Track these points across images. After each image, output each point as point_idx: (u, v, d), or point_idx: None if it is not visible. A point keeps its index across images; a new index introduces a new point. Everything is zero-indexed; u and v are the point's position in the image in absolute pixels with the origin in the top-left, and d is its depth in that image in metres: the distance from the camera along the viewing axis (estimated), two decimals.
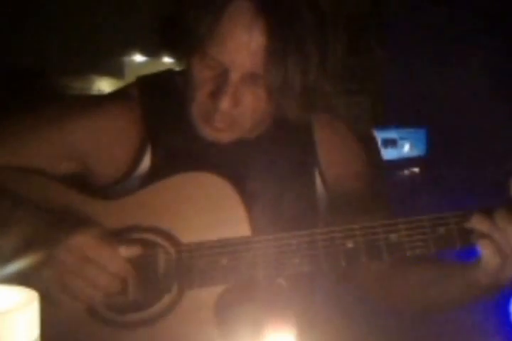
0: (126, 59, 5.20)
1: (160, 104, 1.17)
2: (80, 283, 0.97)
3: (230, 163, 1.12)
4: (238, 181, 1.06)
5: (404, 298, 1.17)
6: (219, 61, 1.04)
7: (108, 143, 1.14)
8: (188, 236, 1.05)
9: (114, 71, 5.03)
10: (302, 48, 1.02)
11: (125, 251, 1.00)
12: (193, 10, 1.05)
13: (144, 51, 5.16)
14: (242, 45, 1.02)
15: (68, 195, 1.09)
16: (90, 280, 0.97)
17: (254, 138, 1.16)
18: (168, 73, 1.23)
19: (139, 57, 5.27)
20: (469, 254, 1.10)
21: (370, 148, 1.29)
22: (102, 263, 0.98)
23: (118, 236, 1.04)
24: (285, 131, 1.18)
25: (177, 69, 1.24)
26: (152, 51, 5.09)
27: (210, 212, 1.05)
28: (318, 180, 1.20)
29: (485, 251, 0.99)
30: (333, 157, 1.22)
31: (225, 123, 1.07)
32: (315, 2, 1.04)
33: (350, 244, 1.01)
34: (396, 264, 1.15)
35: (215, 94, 1.05)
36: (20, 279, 0.90)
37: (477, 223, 0.99)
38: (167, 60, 5.55)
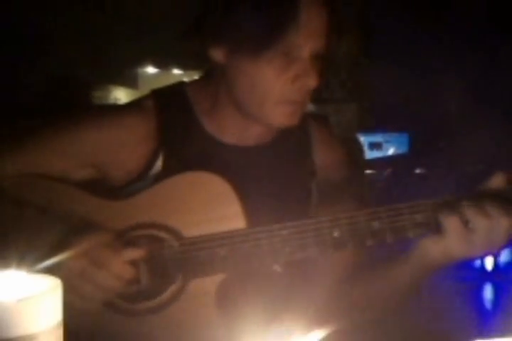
0: (139, 71, 5.21)
1: (172, 114, 1.16)
2: (88, 287, 0.97)
3: (232, 165, 1.12)
4: (235, 180, 1.05)
5: (361, 306, 1.14)
6: (299, 45, 1.04)
7: (123, 151, 1.13)
8: (190, 230, 1.05)
9: (129, 81, 5.03)
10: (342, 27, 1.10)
11: (130, 254, 1.00)
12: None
13: (155, 64, 5.17)
14: (317, 28, 1.05)
15: (77, 196, 1.08)
16: (98, 284, 0.97)
17: (260, 146, 1.16)
18: (180, 85, 1.22)
19: (151, 69, 5.28)
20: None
21: (355, 152, 1.30)
22: (108, 267, 0.97)
23: (126, 233, 1.04)
24: (287, 139, 1.19)
25: (187, 80, 1.23)
26: (163, 63, 5.11)
27: (209, 208, 1.05)
28: (313, 183, 1.20)
29: (451, 227, 0.96)
30: (326, 161, 1.22)
31: (303, 99, 1.08)
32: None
33: (336, 232, 1.00)
34: (343, 279, 1.13)
35: (300, 76, 1.05)
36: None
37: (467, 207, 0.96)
38: (176, 71, 5.57)
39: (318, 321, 1.10)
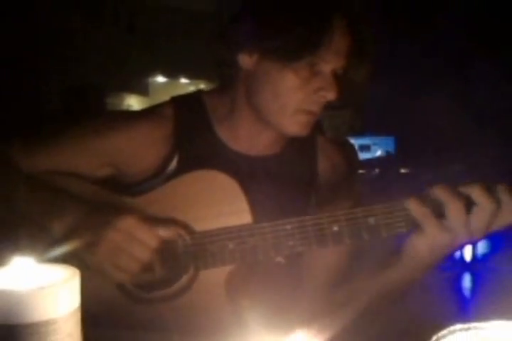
0: (150, 80, 5.20)
1: (188, 120, 1.15)
2: (127, 259, 0.97)
3: (240, 170, 1.11)
4: (243, 180, 1.05)
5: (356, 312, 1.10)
6: (325, 61, 1.04)
7: (140, 151, 1.13)
8: (200, 225, 1.04)
9: (140, 90, 5.03)
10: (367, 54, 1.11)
11: (163, 231, 0.99)
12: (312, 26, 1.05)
13: (165, 73, 5.16)
14: (343, 49, 1.06)
15: (95, 192, 1.07)
16: (135, 256, 0.97)
17: (268, 156, 1.16)
18: (198, 93, 1.20)
19: (160, 78, 5.27)
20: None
21: (352, 160, 1.27)
22: (145, 241, 0.97)
23: None
24: (295, 151, 1.18)
25: (205, 89, 1.22)
26: (172, 73, 5.11)
27: (218, 204, 1.04)
28: (313, 187, 1.19)
29: (454, 217, 0.92)
30: (327, 168, 1.21)
31: (318, 110, 1.07)
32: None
33: (335, 228, 0.99)
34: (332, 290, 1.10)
35: (322, 89, 1.04)
36: (70, 258, 0.90)
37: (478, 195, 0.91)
38: (184, 80, 5.56)
39: (313, 314, 1.09)
